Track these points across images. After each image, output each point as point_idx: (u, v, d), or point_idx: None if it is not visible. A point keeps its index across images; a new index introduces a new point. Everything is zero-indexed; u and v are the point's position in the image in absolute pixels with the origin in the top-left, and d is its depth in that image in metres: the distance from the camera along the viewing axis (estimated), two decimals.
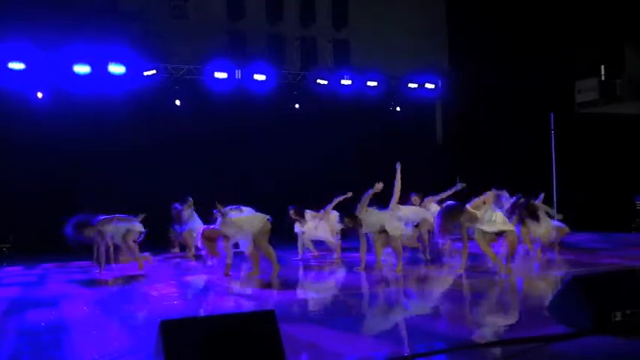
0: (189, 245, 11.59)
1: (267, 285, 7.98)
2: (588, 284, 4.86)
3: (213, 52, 14.86)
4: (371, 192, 8.92)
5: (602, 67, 16.94)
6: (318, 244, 11.33)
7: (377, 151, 15.91)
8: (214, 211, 10.91)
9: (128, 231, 9.37)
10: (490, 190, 10.78)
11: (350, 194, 10.32)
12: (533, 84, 15.84)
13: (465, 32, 16.64)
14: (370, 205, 8.95)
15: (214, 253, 8.27)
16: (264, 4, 16.06)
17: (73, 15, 13.30)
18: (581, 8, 16.01)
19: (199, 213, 11.57)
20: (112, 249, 9.99)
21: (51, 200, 13.17)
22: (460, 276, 8.33)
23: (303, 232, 10.74)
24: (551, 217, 10.65)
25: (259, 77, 15.11)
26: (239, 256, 9.13)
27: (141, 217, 9.89)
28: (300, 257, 10.82)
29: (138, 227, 9.58)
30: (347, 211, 9.14)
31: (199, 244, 8.44)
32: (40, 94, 13.66)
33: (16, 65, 13.12)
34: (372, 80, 16.13)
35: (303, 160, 15.41)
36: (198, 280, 8.91)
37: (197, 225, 10.91)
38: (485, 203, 8.19)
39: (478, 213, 8.09)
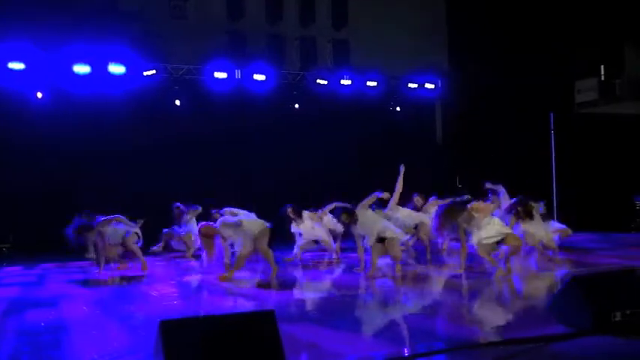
0: (188, 246, 11.59)
1: (267, 285, 7.98)
2: (588, 284, 4.86)
3: (213, 52, 14.85)
4: (377, 195, 8.93)
5: (602, 67, 16.95)
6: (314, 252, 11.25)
7: (377, 151, 15.93)
8: (212, 211, 10.94)
9: (127, 234, 9.35)
10: (484, 184, 10.85)
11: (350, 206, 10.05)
12: (533, 84, 15.84)
13: (465, 32, 16.64)
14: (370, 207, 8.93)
15: (211, 251, 8.19)
16: (263, 4, 16.05)
17: (73, 15, 13.29)
18: (581, 8, 16.01)
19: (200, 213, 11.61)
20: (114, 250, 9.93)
21: (51, 200, 13.18)
22: (460, 276, 8.33)
23: (300, 234, 10.58)
24: (548, 219, 10.58)
25: (259, 77, 15.11)
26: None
27: (140, 222, 9.87)
28: (292, 258, 10.50)
29: (136, 231, 9.54)
30: (346, 207, 9.03)
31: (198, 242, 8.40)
32: (39, 94, 13.65)
33: (16, 65, 13.12)
34: (371, 80, 16.12)
35: (303, 160, 15.40)
36: (198, 280, 8.91)
37: (196, 228, 10.88)
38: (483, 211, 8.13)
39: (477, 215, 8.06)
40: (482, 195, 10.91)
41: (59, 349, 4.93)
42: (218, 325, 3.61)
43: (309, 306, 6.90)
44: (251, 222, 8.40)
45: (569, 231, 10.68)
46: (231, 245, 8.54)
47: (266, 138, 15.30)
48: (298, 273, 9.49)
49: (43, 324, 5.80)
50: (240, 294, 7.44)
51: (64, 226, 9.56)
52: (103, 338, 5.23)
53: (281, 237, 10.66)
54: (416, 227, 10.34)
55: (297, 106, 15.75)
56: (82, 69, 13.58)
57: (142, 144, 13.95)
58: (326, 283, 8.63)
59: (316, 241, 10.63)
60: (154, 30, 14.60)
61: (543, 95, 16.35)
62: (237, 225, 8.22)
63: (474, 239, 8.07)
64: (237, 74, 15.07)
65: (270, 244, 8.37)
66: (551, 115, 16.95)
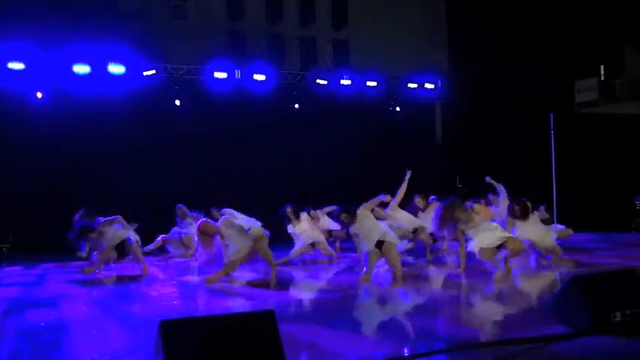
0: (188, 246, 11.58)
1: (267, 285, 7.98)
2: (588, 284, 4.86)
3: (212, 52, 14.86)
4: (381, 198, 8.89)
5: (602, 67, 16.95)
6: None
7: (377, 151, 15.94)
8: (212, 209, 10.93)
9: (129, 239, 9.32)
10: (485, 177, 10.84)
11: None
12: (533, 84, 15.85)
13: (465, 32, 16.64)
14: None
15: (208, 249, 8.10)
16: (263, 4, 16.05)
17: (73, 15, 13.29)
18: (581, 8, 16.02)
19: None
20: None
21: (51, 200, 13.18)
22: (460, 276, 8.33)
23: (297, 236, 10.47)
24: (548, 222, 10.53)
25: (259, 77, 15.11)
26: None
27: (135, 225, 9.84)
28: (286, 259, 10.25)
29: (137, 239, 9.51)
30: (347, 207, 8.94)
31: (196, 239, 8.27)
32: (39, 94, 13.65)
33: (16, 65, 13.11)
34: (371, 80, 16.13)
35: (303, 160, 15.40)
36: (198, 280, 8.90)
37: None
38: (483, 213, 8.10)
39: (476, 217, 8.04)
40: (482, 194, 10.94)
41: (59, 349, 4.93)
42: (218, 325, 3.61)
43: (309, 306, 6.90)
44: (253, 226, 8.35)
45: (570, 231, 10.63)
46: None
47: (266, 138, 15.31)
48: (298, 273, 9.49)
49: (43, 324, 5.80)
50: (240, 294, 7.44)
51: (64, 226, 9.57)
52: (103, 338, 5.23)
53: (280, 238, 10.71)
54: (415, 231, 10.35)
55: (297, 106, 15.76)
56: (81, 69, 13.58)
57: (142, 144, 13.95)
58: (326, 283, 8.63)
59: (313, 244, 10.56)
60: (154, 30, 14.60)
61: (543, 95, 16.35)
62: (241, 228, 8.17)
63: (475, 247, 7.98)
64: (237, 74, 15.07)
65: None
66: (551, 115, 16.96)
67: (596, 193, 15.93)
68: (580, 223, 13.21)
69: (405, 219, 10.21)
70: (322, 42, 16.55)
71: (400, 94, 16.88)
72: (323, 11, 16.67)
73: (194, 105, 14.76)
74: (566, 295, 4.90)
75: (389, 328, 5.59)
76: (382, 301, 7.18)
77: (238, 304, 6.81)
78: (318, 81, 15.73)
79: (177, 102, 14.77)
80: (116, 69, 13.83)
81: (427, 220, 10.38)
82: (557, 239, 9.85)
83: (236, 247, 8.09)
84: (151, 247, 11.55)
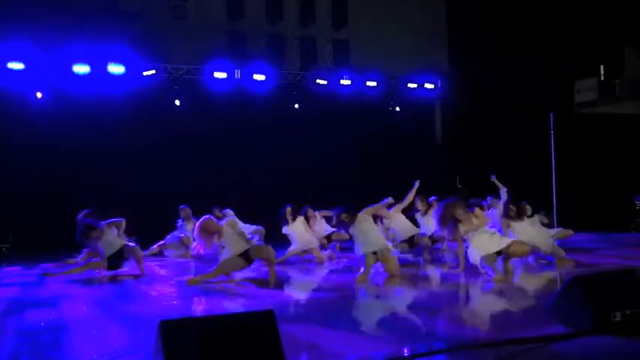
0: (187, 247, 11.58)
1: (266, 285, 7.97)
2: (588, 284, 4.85)
3: (212, 52, 14.87)
4: (385, 202, 8.91)
5: (602, 67, 16.95)
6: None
7: (376, 151, 15.95)
8: (213, 208, 10.93)
9: (127, 244, 9.31)
10: (490, 176, 10.86)
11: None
12: (533, 84, 15.85)
13: (465, 32, 16.65)
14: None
15: (207, 246, 8.06)
16: (263, 4, 16.06)
17: (73, 15, 13.30)
18: (581, 8, 16.02)
19: (199, 213, 11.56)
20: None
21: (51, 200, 13.20)
22: (459, 275, 8.33)
23: (291, 235, 10.44)
24: (548, 227, 10.50)
25: (259, 77, 15.11)
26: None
27: (133, 239, 9.78)
28: (281, 259, 9.98)
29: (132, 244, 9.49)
30: (345, 206, 8.91)
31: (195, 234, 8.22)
32: (39, 94, 13.66)
33: (16, 65, 13.13)
34: (371, 80, 16.13)
35: (303, 160, 15.41)
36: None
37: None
38: (480, 218, 8.09)
39: (475, 220, 8.02)
40: (481, 195, 10.93)
41: (59, 349, 4.92)
42: (218, 325, 3.61)
43: (308, 306, 6.90)
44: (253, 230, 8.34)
45: (570, 232, 10.54)
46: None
47: (266, 138, 15.31)
48: (298, 273, 9.49)
49: (42, 324, 5.79)
50: (240, 294, 7.44)
51: (64, 226, 9.58)
52: (103, 338, 5.23)
53: (280, 238, 10.71)
54: (412, 238, 10.37)
55: (297, 106, 15.76)
56: (81, 69, 13.59)
57: (142, 144, 13.96)
58: (326, 283, 8.62)
59: (305, 251, 10.48)
60: (153, 30, 14.61)
61: (543, 95, 16.35)
62: (242, 233, 8.15)
63: (475, 259, 7.93)
64: (237, 74, 15.07)
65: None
66: (551, 115, 16.95)
67: (596, 193, 15.93)
68: (580, 223, 13.20)
69: (401, 224, 10.23)
70: (322, 42, 16.56)
71: (400, 94, 16.88)
72: (323, 11, 16.68)
73: (194, 105, 14.77)
74: (566, 295, 4.90)
75: (389, 328, 5.58)
76: (382, 301, 7.18)
77: (238, 304, 6.80)
78: (318, 81, 15.73)
79: (177, 102, 14.78)
80: (116, 69, 13.84)
81: (427, 224, 10.44)
82: (557, 240, 9.82)
83: (231, 250, 8.04)
84: (146, 252, 11.52)
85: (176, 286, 8.28)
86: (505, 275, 7.99)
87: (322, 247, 10.96)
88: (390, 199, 9.28)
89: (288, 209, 10.49)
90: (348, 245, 11.25)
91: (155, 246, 11.79)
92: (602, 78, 16.92)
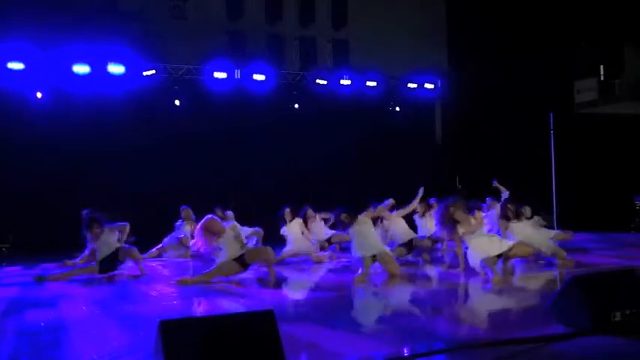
0: (187, 247, 11.58)
1: (266, 285, 7.97)
2: (588, 284, 4.86)
3: (212, 52, 14.87)
4: (389, 203, 8.89)
5: (602, 67, 16.95)
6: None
7: (376, 151, 15.95)
8: (215, 208, 10.92)
9: (125, 245, 9.29)
10: (492, 180, 10.85)
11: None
12: (533, 84, 15.86)
13: (465, 32, 16.65)
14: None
15: (207, 244, 8.04)
16: (263, 4, 16.06)
17: (73, 15, 13.30)
18: (581, 8, 16.02)
19: (199, 213, 11.56)
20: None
21: (51, 200, 13.19)
22: (459, 275, 8.32)
23: (288, 236, 10.44)
24: (547, 227, 10.47)
25: (259, 77, 15.11)
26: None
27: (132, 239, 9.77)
28: (278, 259, 9.82)
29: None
30: (346, 208, 8.91)
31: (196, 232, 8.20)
32: (39, 94, 13.66)
33: (16, 65, 13.13)
34: (371, 80, 16.13)
35: (303, 160, 15.41)
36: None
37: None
38: (478, 221, 8.09)
39: (474, 222, 8.02)
40: (481, 197, 10.93)
41: (59, 349, 4.92)
42: (218, 325, 3.61)
43: (309, 306, 6.89)
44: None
45: (570, 235, 10.43)
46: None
47: (266, 138, 15.31)
48: (298, 273, 9.49)
49: (42, 324, 5.79)
50: (240, 294, 7.44)
51: (64, 226, 9.57)
52: (103, 338, 5.23)
53: (280, 238, 10.71)
54: (411, 241, 10.37)
55: (296, 106, 15.77)
56: (81, 69, 13.59)
57: (142, 144, 13.97)
58: (325, 283, 8.62)
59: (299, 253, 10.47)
60: (153, 30, 14.62)
61: (543, 95, 16.36)
62: (242, 239, 8.15)
63: (475, 262, 7.93)
64: (237, 74, 15.08)
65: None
66: (551, 115, 16.97)
67: (595, 193, 15.94)
68: (580, 223, 13.22)
69: (401, 228, 10.24)
70: (322, 42, 16.57)
71: (400, 94, 16.88)
72: (323, 11, 16.68)
73: (194, 105, 14.77)
74: (566, 295, 4.90)
75: (389, 328, 5.58)
76: (382, 300, 7.17)
77: (238, 304, 6.80)
78: (317, 81, 15.73)
79: (177, 102, 14.78)
80: (116, 69, 13.84)
81: (425, 226, 10.46)
82: (557, 241, 9.81)
83: (226, 254, 8.01)
84: (145, 256, 11.50)
85: (176, 286, 8.27)
86: (505, 275, 7.99)
87: (322, 250, 10.97)
88: (391, 201, 9.31)
89: (287, 210, 10.50)
90: (348, 245, 11.25)
91: (154, 249, 11.78)
92: (602, 78, 16.92)
